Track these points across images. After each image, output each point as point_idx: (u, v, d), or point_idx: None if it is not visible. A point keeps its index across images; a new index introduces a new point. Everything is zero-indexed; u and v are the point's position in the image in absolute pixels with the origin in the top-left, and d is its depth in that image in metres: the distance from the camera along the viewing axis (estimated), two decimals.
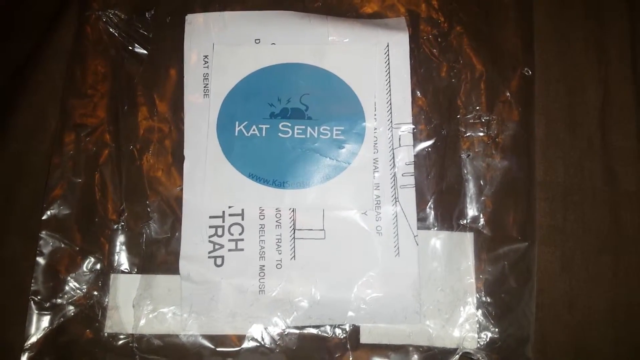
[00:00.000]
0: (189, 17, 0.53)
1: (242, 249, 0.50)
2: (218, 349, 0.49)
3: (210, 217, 0.50)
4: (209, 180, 0.51)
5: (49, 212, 0.50)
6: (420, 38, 0.53)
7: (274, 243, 0.50)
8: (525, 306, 0.49)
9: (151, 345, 0.48)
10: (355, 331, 0.49)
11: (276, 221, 0.50)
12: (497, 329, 0.48)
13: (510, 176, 0.51)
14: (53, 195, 0.50)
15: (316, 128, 0.51)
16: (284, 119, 0.51)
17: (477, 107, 0.51)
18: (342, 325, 0.49)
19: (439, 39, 0.53)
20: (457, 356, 0.48)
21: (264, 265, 0.49)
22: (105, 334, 0.49)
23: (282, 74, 0.52)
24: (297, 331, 0.49)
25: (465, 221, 0.50)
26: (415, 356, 0.49)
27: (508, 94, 0.51)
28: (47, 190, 0.50)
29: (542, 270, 0.50)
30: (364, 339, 0.49)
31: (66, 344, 0.49)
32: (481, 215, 0.50)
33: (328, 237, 0.50)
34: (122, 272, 0.50)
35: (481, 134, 0.51)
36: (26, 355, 0.48)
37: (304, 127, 0.51)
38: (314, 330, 0.49)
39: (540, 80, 0.52)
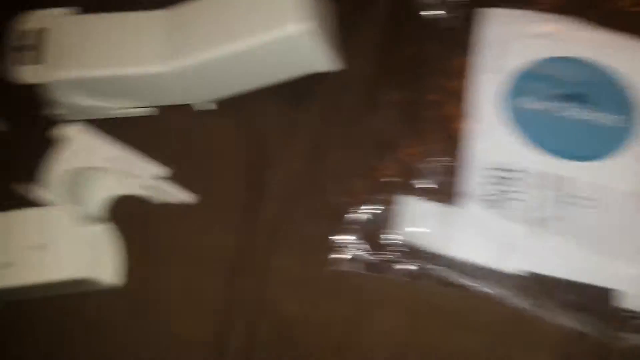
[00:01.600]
0: (487, 11, 0.62)
1: (514, 199, 0.55)
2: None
3: (491, 168, 0.56)
4: (492, 139, 0.57)
5: None
6: None
7: (546, 202, 0.54)
8: None
9: None
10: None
11: (551, 185, 0.55)
12: None
13: None
14: None
15: (597, 113, 0.57)
16: (569, 102, 0.57)
17: None
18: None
19: None
20: None
21: (531, 218, 0.54)
22: None
23: (569, 64, 0.59)
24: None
25: None
26: None
27: None
28: None
29: None
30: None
31: None
32: None
33: (599, 208, 0.54)
34: None
35: None
36: None
37: (586, 110, 0.57)
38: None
39: None
